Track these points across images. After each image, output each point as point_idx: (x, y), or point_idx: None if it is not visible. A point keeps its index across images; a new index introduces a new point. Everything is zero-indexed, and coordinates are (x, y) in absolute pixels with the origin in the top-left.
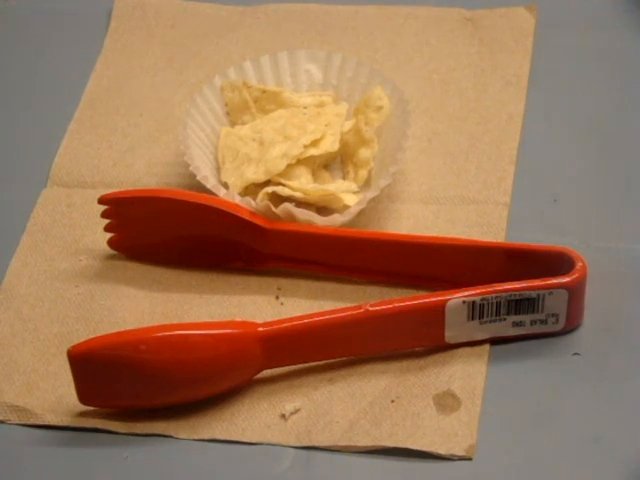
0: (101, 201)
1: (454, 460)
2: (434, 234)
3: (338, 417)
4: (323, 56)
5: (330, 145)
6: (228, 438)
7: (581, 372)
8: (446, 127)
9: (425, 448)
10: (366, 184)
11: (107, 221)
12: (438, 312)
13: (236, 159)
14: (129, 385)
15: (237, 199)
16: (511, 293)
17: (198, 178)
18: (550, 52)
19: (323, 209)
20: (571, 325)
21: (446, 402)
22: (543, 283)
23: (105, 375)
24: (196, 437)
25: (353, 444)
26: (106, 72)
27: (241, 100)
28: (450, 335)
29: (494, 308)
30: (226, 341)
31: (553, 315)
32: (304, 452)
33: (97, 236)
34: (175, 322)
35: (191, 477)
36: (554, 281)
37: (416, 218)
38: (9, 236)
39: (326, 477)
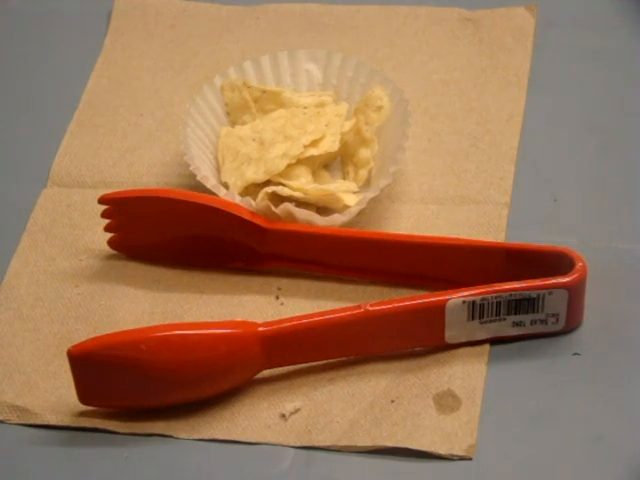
0: (101, 201)
1: (454, 460)
2: (434, 234)
3: (338, 417)
4: (323, 56)
5: (330, 145)
6: (228, 438)
7: (581, 372)
8: (446, 127)
9: (425, 448)
10: (366, 184)
11: (107, 221)
12: (438, 312)
13: (236, 159)
14: (129, 385)
15: (237, 199)
16: (511, 293)
17: (198, 178)
18: (550, 52)
19: (323, 209)
20: (571, 325)
21: (446, 402)
22: (543, 283)
23: (105, 375)
24: (196, 437)
25: (353, 444)
26: (106, 72)
27: (241, 100)
28: (450, 335)
29: (494, 308)
30: (226, 341)
31: (553, 315)
32: (304, 452)
33: (97, 236)
34: (175, 322)
35: (191, 477)
36: (554, 281)
37: (416, 218)
38: (9, 236)
39: (326, 477)
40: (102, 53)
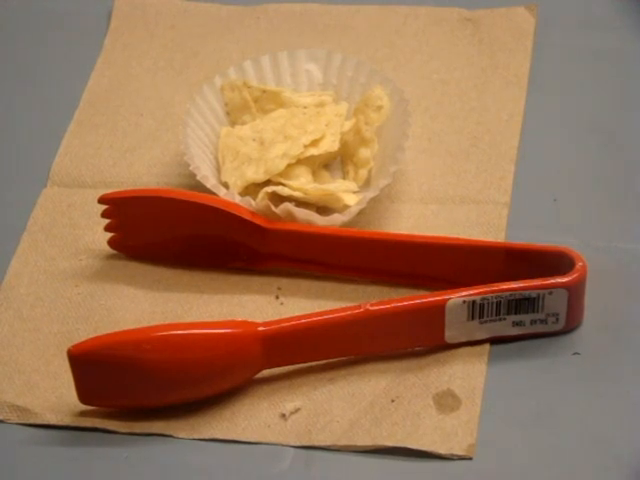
0: (101, 201)
1: (454, 460)
2: (434, 234)
3: (338, 417)
4: (323, 56)
5: (330, 145)
6: (228, 437)
7: (581, 372)
8: (446, 127)
9: (425, 448)
10: (366, 184)
11: (107, 221)
12: (438, 312)
13: (236, 159)
14: (129, 385)
15: (237, 199)
16: (511, 293)
17: (198, 178)
18: (550, 52)
19: (323, 209)
20: (571, 325)
21: (446, 402)
22: (543, 283)
23: (105, 375)
24: (196, 437)
25: (353, 444)
26: (106, 72)
27: (241, 100)
28: (450, 335)
29: (494, 308)
30: (226, 341)
31: (553, 315)
32: (304, 452)
33: (97, 236)
34: (175, 322)
35: (191, 477)
36: (554, 281)
37: (416, 218)
38: (9, 236)
39: (326, 477)
40: (102, 53)
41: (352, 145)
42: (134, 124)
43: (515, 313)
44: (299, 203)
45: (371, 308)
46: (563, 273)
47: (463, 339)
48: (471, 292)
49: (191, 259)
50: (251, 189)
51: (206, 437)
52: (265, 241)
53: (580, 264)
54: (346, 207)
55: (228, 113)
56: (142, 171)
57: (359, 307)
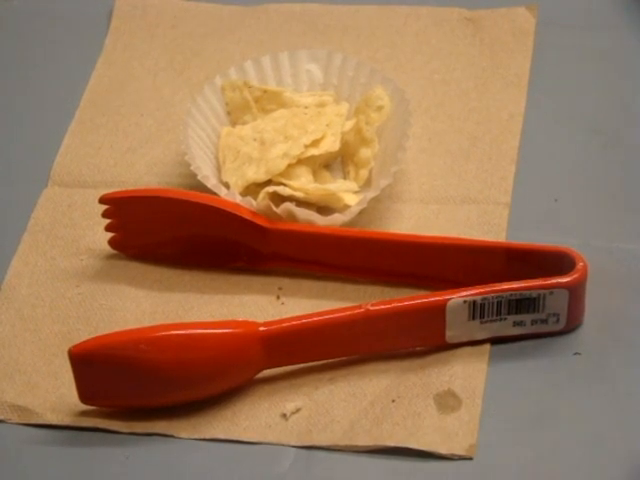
0: (102, 201)
1: (455, 460)
2: (435, 234)
3: (339, 417)
4: (324, 56)
5: (331, 145)
6: (229, 437)
7: (582, 372)
8: (447, 127)
9: (426, 448)
10: (367, 184)
11: (108, 221)
12: (439, 312)
13: (237, 159)
14: (130, 384)
15: (238, 199)
16: (512, 293)
17: (199, 178)
18: (551, 52)
19: (324, 209)
20: (572, 325)
21: (447, 402)
22: (544, 283)
23: (106, 374)
24: (197, 437)
25: (354, 444)
26: (107, 72)
27: (242, 100)
28: (451, 335)
29: (495, 308)
30: (227, 341)
31: (554, 315)
32: (305, 452)
33: (98, 236)
34: (176, 322)
35: (192, 477)
36: (555, 281)
37: (417, 218)
38: (10, 236)
39: (327, 477)
40: (103, 53)
41: (353, 145)
42: (135, 124)
43: (516, 313)
44: (300, 203)
45: (372, 308)
46: (564, 273)
47: (464, 339)
48: (472, 292)
49: (192, 259)
50: (252, 189)
51: (207, 437)
52: (266, 241)
53: (581, 264)
54: (347, 207)
55: (229, 113)
56: (143, 171)
57: (360, 307)
